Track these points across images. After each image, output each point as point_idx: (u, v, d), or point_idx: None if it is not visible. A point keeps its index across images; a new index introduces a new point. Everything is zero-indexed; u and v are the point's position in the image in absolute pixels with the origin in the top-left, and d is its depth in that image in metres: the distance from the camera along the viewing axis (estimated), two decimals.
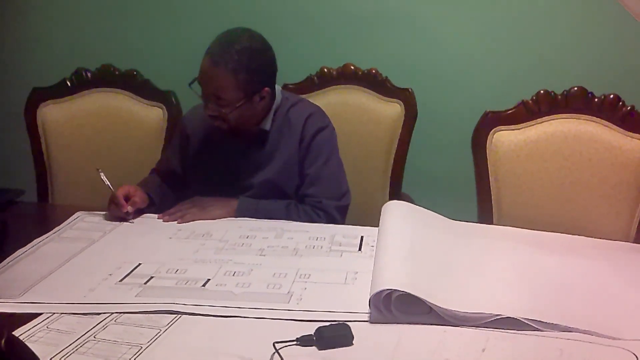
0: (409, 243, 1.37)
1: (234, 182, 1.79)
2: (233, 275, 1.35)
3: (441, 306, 1.12)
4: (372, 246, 1.47)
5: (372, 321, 1.14)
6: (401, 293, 1.13)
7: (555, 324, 1.10)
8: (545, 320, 1.10)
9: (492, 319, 1.11)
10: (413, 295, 1.13)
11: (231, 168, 1.80)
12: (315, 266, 1.38)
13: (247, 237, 1.55)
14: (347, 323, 1.09)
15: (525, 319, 1.10)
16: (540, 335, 1.08)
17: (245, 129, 1.77)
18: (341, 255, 1.46)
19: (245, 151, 1.80)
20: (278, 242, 1.52)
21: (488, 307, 1.13)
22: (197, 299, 1.22)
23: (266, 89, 1.71)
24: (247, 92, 1.66)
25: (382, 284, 1.15)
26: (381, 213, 1.56)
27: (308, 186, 1.78)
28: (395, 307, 1.14)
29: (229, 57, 1.63)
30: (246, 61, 1.64)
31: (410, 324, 1.12)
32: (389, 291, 1.13)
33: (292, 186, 1.80)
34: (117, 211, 1.68)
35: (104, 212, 1.73)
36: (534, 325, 1.10)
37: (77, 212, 1.73)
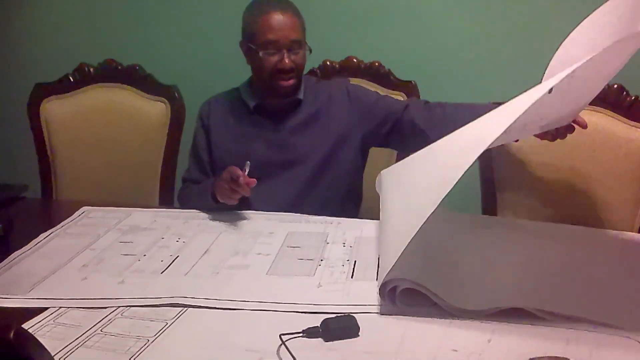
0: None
1: (275, 155, 1.79)
2: (239, 269, 1.35)
3: (446, 300, 1.12)
4: (376, 238, 1.47)
5: (382, 313, 1.14)
6: (406, 286, 1.13)
7: (562, 314, 1.10)
8: (551, 310, 1.10)
9: (497, 310, 1.11)
10: (418, 288, 1.13)
11: (263, 141, 1.80)
12: (320, 259, 1.39)
13: (255, 237, 1.53)
14: (353, 315, 1.10)
15: (531, 309, 1.10)
16: (546, 326, 1.08)
17: (291, 95, 1.80)
18: (344, 246, 1.46)
19: (277, 122, 1.81)
20: (287, 242, 1.50)
21: (493, 299, 1.13)
22: (204, 292, 1.23)
23: None
24: (305, 37, 1.77)
25: (387, 275, 1.15)
26: (379, 183, 1.57)
27: (399, 108, 1.81)
28: (400, 299, 1.14)
29: (287, 3, 1.75)
30: (295, 6, 1.78)
31: (416, 316, 1.12)
32: (394, 284, 1.13)
33: (349, 158, 1.82)
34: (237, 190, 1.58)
35: (108, 208, 1.73)
36: (539, 314, 1.10)
37: (82, 208, 1.73)
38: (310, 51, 1.78)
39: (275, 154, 1.79)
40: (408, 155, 1.56)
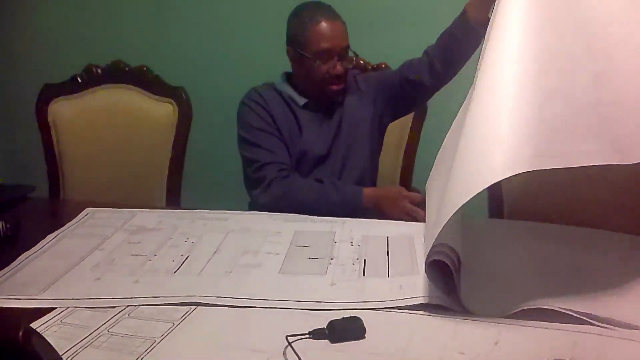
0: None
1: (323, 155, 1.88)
2: (252, 268, 1.35)
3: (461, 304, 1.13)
4: (379, 237, 1.49)
5: (399, 308, 1.15)
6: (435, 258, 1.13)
7: (572, 311, 1.09)
8: (561, 308, 1.10)
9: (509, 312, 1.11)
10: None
11: (314, 134, 1.88)
12: (330, 258, 1.40)
13: (263, 237, 1.53)
14: (359, 316, 1.10)
15: (542, 306, 1.10)
16: (554, 328, 1.08)
17: (338, 98, 1.90)
18: (352, 245, 1.47)
19: (324, 118, 1.91)
20: (295, 241, 1.51)
21: (504, 303, 1.13)
22: (220, 291, 1.23)
23: None
24: None
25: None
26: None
27: (406, 68, 1.92)
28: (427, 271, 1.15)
29: (334, 11, 1.83)
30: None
31: (424, 313, 1.13)
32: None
33: (367, 143, 1.92)
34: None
35: (113, 209, 1.73)
36: (552, 308, 1.09)
37: (87, 209, 1.73)
38: (356, 55, 1.88)
39: (322, 146, 1.89)
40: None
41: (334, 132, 1.90)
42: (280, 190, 1.75)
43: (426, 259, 1.14)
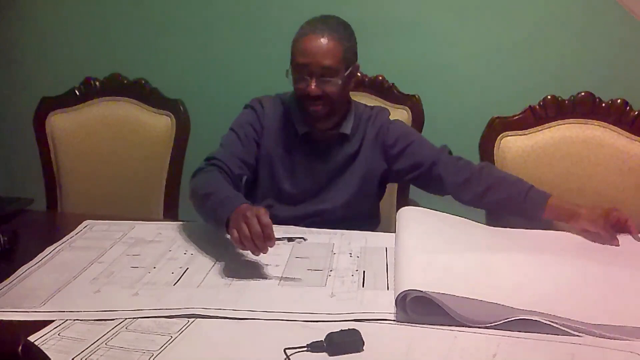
0: (428, 246, 1.39)
1: (310, 184, 1.77)
2: (251, 280, 1.35)
3: (456, 310, 1.13)
4: (377, 248, 1.50)
5: (398, 320, 1.16)
6: (417, 295, 1.15)
7: (569, 324, 1.10)
8: (559, 321, 1.10)
9: (507, 320, 1.11)
10: (428, 298, 1.15)
11: (307, 170, 1.77)
12: (330, 269, 1.40)
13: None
14: (357, 329, 1.10)
15: (539, 318, 1.10)
16: (552, 340, 1.08)
17: (330, 128, 1.75)
18: (351, 257, 1.47)
19: (323, 155, 1.77)
20: (294, 253, 1.51)
21: (502, 311, 1.14)
22: (219, 303, 1.23)
23: (357, 63, 1.74)
24: (346, 65, 1.67)
25: (403, 285, 1.18)
26: (397, 218, 1.58)
27: (436, 164, 1.73)
28: (410, 308, 1.15)
29: (330, 28, 1.65)
30: (343, 31, 1.69)
31: (424, 324, 1.14)
32: (405, 293, 1.15)
33: (372, 194, 1.81)
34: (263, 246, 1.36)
35: (111, 221, 1.73)
36: (548, 322, 1.10)
37: (85, 221, 1.73)
38: (355, 76, 1.74)
39: (311, 188, 1.77)
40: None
41: (331, 174, 1.77)
42: (194, 183, 1.63)
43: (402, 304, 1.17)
